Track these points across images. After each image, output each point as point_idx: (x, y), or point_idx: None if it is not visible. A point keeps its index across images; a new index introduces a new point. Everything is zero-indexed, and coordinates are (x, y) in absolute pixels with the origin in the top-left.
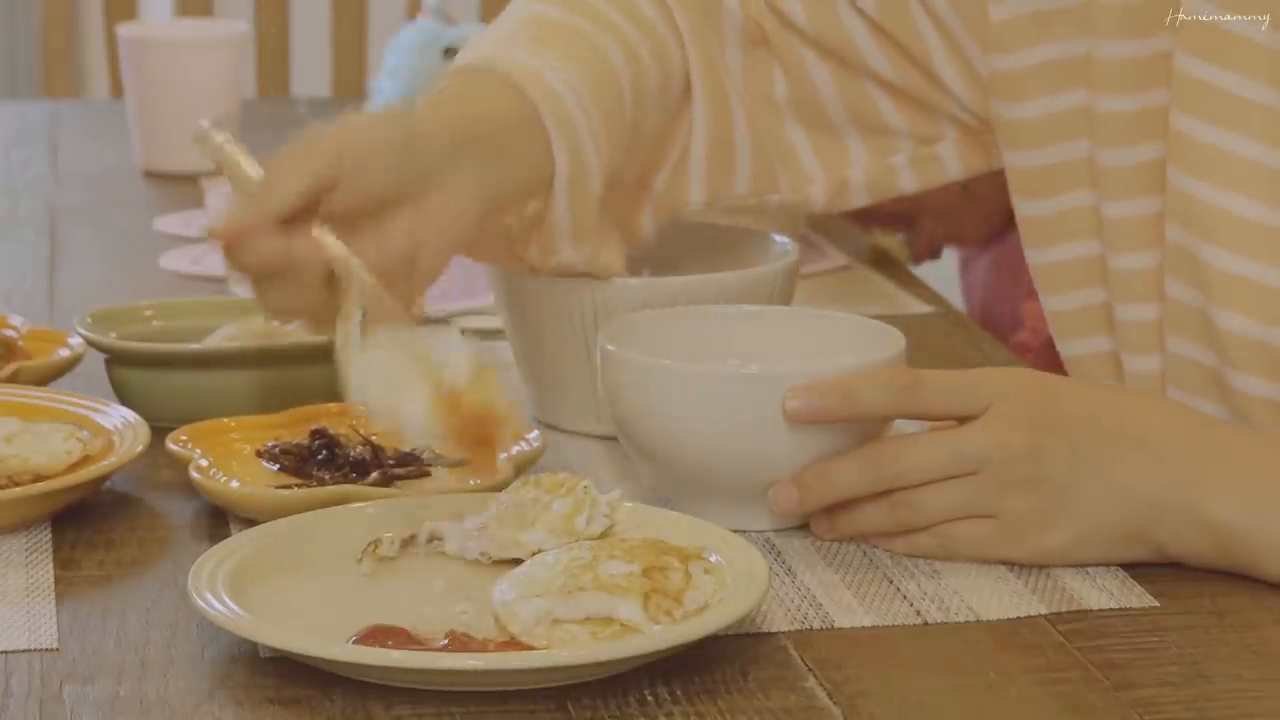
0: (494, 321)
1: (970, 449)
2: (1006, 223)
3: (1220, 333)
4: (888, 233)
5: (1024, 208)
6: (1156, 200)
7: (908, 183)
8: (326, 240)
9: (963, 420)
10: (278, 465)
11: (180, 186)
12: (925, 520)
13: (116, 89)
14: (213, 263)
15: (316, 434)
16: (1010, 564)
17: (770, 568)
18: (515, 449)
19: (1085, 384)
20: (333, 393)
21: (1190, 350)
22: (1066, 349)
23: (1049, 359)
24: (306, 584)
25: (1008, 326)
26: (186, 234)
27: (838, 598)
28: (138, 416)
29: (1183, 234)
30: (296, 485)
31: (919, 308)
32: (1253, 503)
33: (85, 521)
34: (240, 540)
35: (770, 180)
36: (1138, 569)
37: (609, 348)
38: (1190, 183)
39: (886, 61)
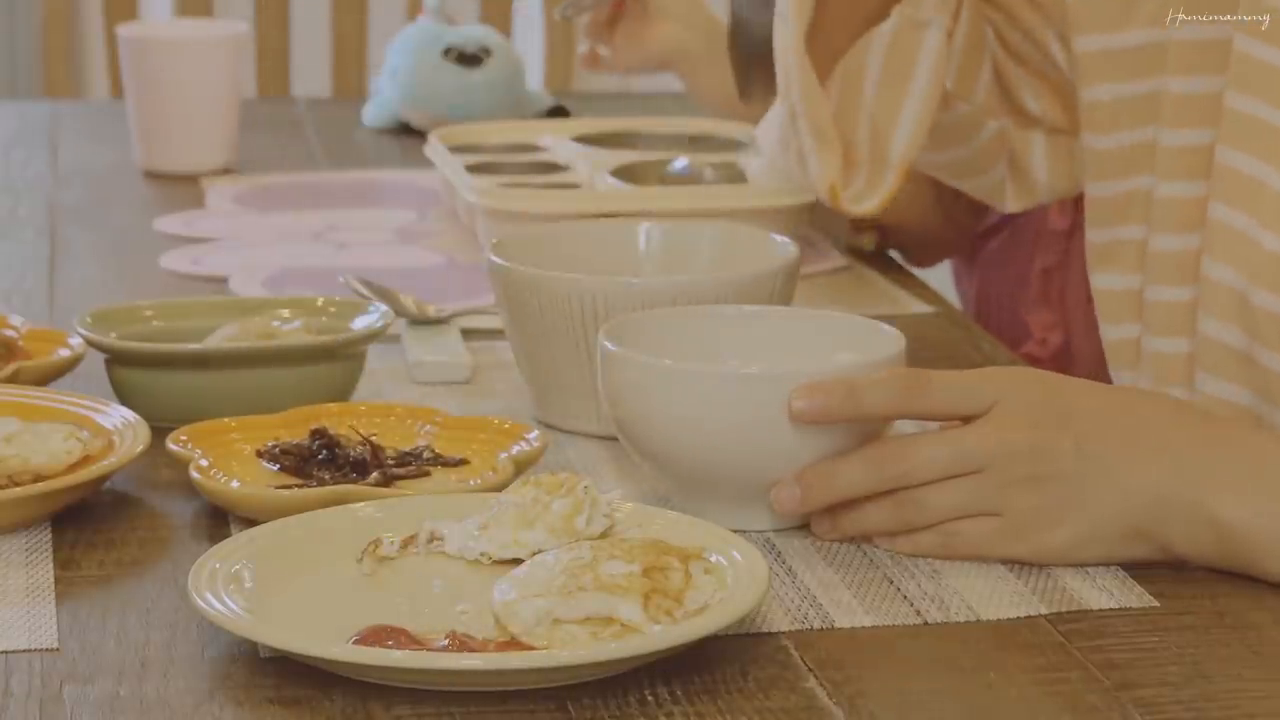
0: (494, 321)
1: (974, 448)
2: (981, 235)
3: (1255, 310)
4: (863, 236)
5: (1092, 189)
6: (1203, 185)
7: (1039, 159)
8: None
9: (967, 419)
10: (278, 465)
11: (180, 186)
12: (929, 519)
13: (116, 89)
14: (213, 263)
15: (316, 434)
16: (1013, 562)
17: (770, 568)
18: (515, 449)
19: (1089, 382)
20: (333, 393)
21: (1221, 332)
22: (1106, 333)
23: (1059, 370)
24: (306, 584)
25: (1007, 336)
26: (187, 234)
27: (838, 598)
28: (138, 416)
29: (1226, 211)
30: (296, 485)
31: (919, 308)
32: (1257, 501)
33: (85, 521)
34: (240, 540)
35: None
36: (1138, 569)
37: (609, 348)
38: (1239, 157)
39: (1026, 45)
